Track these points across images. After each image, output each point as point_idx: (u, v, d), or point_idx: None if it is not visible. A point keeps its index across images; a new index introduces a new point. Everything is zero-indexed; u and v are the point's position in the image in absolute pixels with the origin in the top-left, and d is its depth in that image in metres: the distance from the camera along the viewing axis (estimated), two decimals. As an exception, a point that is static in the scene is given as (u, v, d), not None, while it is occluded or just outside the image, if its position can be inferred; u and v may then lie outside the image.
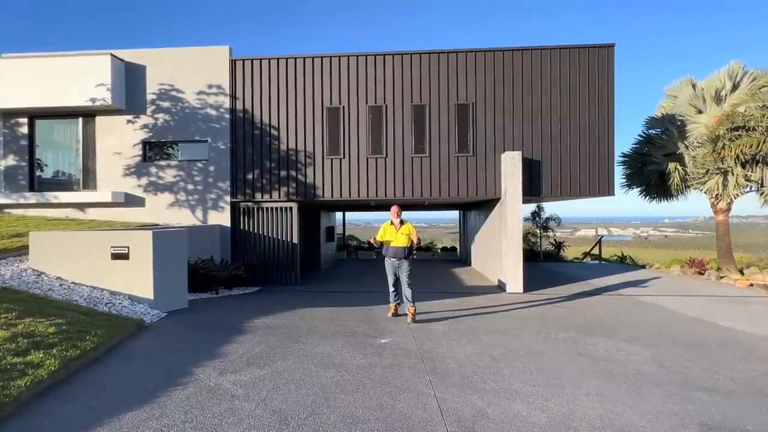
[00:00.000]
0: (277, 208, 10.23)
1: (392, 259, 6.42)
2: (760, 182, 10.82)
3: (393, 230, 6.39)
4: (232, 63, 10.15)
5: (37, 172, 10.80)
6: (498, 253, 10.09)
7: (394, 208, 6.45)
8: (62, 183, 10.86)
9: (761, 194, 10.78)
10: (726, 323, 6.35)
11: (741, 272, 11.30)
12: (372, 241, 6.54)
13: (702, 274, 11.41)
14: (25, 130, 10.58)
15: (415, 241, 6.39)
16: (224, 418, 3.22)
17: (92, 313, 5.50)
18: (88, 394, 3.60)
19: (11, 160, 10.60)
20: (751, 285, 9.72)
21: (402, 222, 6.43)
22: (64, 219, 10.13)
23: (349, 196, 9.98)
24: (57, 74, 9.99)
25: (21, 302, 5.21)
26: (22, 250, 7.27)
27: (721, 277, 10.83)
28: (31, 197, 10.26)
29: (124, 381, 3.93)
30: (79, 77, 9.94)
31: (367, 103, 9.96)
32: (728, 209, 11.76)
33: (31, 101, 10.08)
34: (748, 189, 11.15)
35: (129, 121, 10.36)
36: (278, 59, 10.09)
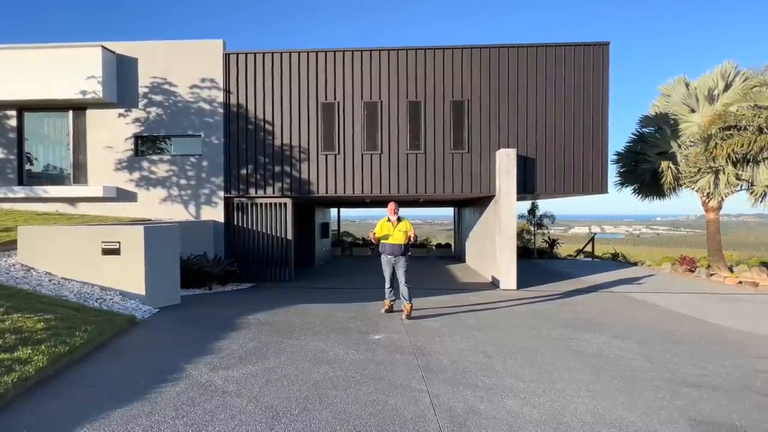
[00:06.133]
0: (271, 204, 10.17)
1: (389, 256, 6.41)
2: (750, 181, 10.95)
3: (390, 227, 6.37)
4: (226, 57, 10.04)
5: (27, 166, 10.63)
6: (492, 251, 10.12)
7: (391, 205, 6.42)
8: (52, 177, 10.70)
9: (752, 193, 10.92)
10: (715, 320, 6.44)
11: (731, 270, 11.45)
12: (372, 237, 6.51)
13: (692, 271, 11.54)
14: (13, 122, 10.39)
15: (412, 237, 6.36)
16: (216, 414, 3.20)
17: (82, 309, 5.43)
18: (76, 391, 3.56)
19: (-1, 154, 10.43)
20: (740, 282, 9.85)
21: (399, 219, 6.40)
22: (54, 213, 9.99)
23: (344, 193, 9.94)
24: (47, 66, 9.80)
25: (9, 298, 5.13)
26: (11, 245, 7.16)
27: (711, 275, 10.97)
28: (20, 191, 10.11)
29: (113, 377, 3.89)
30: (69, 70, 9.77)
31: (362, 98, 9.91)
32: (719, 208, 11.89)
33: (20, 93, 9.89)
34: (738, 188, 11.29)
35: (121, 115, 10.23)
36: (272, 54, 10.00)
